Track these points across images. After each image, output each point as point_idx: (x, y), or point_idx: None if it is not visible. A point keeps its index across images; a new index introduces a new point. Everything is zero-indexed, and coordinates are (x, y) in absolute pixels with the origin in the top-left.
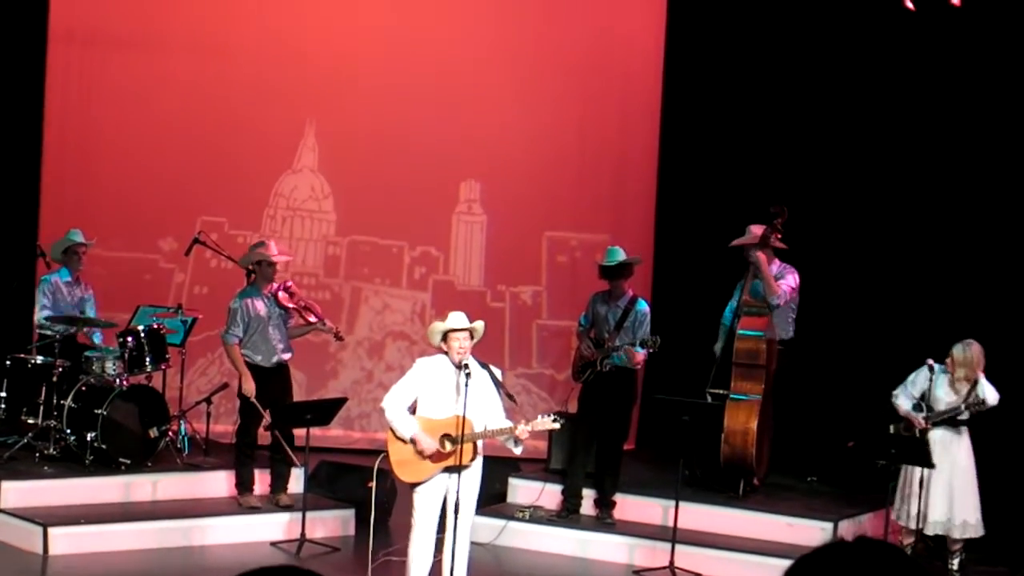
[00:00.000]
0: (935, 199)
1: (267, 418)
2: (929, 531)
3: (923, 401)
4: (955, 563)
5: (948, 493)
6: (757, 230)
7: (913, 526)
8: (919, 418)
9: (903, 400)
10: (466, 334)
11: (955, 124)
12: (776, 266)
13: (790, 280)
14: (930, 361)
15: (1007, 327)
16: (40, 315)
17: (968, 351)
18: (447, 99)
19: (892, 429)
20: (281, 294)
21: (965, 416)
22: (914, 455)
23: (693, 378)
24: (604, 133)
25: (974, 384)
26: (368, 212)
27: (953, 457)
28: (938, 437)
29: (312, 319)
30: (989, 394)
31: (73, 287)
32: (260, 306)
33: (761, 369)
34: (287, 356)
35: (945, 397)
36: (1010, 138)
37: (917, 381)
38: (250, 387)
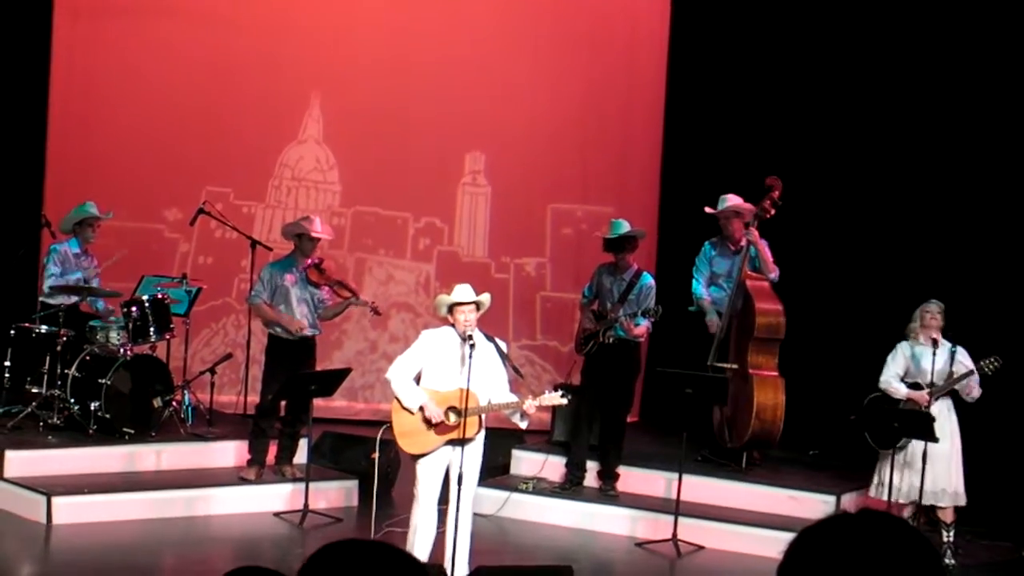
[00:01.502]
0: (935, 168)
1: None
2: (929, 501)
3: (906, 377)
4: (951, 535)
5: (947, 461)
6: (735, 200)
7: (903, 500)
8: (923, 395)
9: (897, 384)
10: (472, 307)
11: (955, 95)
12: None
13: (768, 253)
14: (934, 335)
15: (1004, 293)
16: (48, 283)
17: (937, 303)
18: (452, 71)
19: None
20: (311, 271)
21: (974, 391)
22: (918, 429)
23: (696, 351)
24: (609, 105)
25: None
26: (373, 183)
27: (948, 427)
28: (936, 410)
29: (345, 295)
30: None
31: (82, 258)
32: (289, 278)
33: (777, 343)
34: (312, 332)
35: (934, 366)
36: (1005, 109)
37: (896, 362)
38: (296, 324)
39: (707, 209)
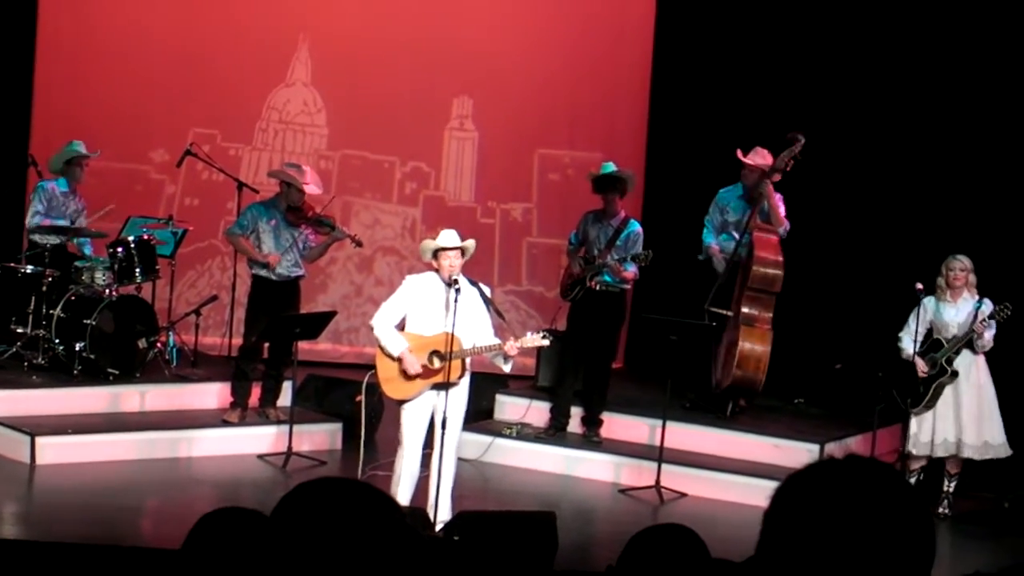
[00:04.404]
0: (931, 124)
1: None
2: (973, 455)
3: (932, 333)
4: (951, 486)
5: (979, 414)
6: (765, 152)
7: (940, 454)
8: (920, 366)
9: (905, 344)
10: (457, 252)
11: (959, 46)
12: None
13: (782, 208)
14: (919, 285)
15: (1001, 254)
16: (32, 220)
17: (963, 259)
18: (441, 14)
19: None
20: (288, 214)
21: (986, 338)
22: (900, 382)
23: (682, 298)
24: (597, 51)
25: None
26: (360, 127)
27: (974, 379)
28: (961, 362)
29: (327, 231)
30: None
31: (69, 198)
32: (265, 222)
33: (773, 296)
34: (295, 272)
35: (955, 319)
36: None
37: (916, 319)
38: (271, 258)
39: (741, 155)
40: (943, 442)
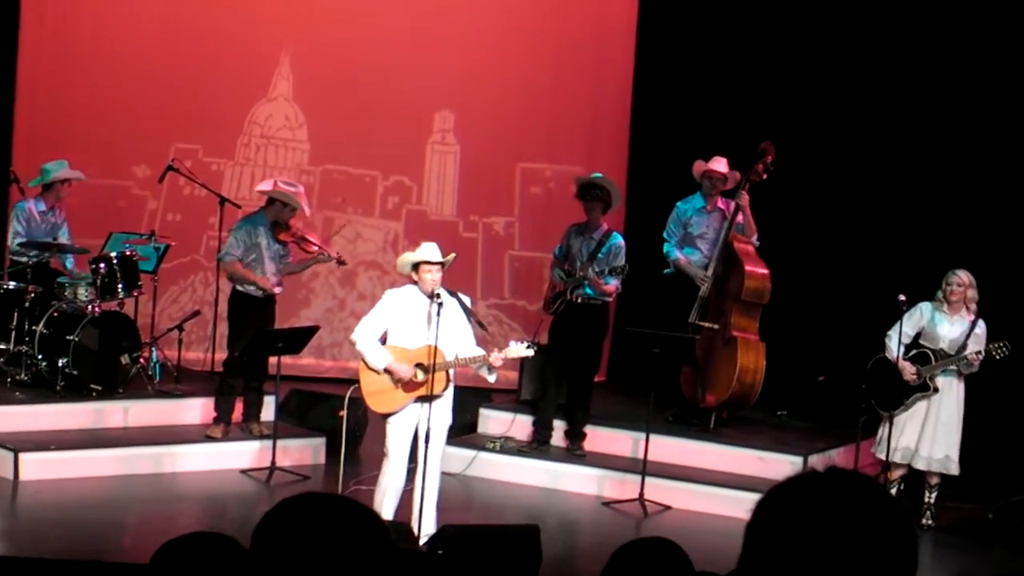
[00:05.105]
0: (915, 135)
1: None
2: (921, 466)
3: (919, 339)
4: (932, 497)
5: (947, 429)
6: (724, 161)
7: (897, 459)
8: (908, 370)
9: (893, 344)
10: (438, 267)
11: (939, 54)
12: (724, 202)
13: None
14: (902, 297)
15: (988, 267)
16: (14, 242)
17: (962, 274)
18: (422, 28)
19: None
20: (277, 229)
21: (976, 365)
22: (881, 395)
23: (668, 311)
24: (579, 64)
25: (975, 319)
26: (342, 141)
27: (955, 396)
28: (942, 377)
29: (312, 250)
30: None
31: (47, 214)
32: (262, 236)
33: (760, 307)
34: (277, 290)
35: (948, 334)
36: (996, 63)
37: (910, 321)
38: (268, 284)
39: (703, 164)
40: (904, 448)
